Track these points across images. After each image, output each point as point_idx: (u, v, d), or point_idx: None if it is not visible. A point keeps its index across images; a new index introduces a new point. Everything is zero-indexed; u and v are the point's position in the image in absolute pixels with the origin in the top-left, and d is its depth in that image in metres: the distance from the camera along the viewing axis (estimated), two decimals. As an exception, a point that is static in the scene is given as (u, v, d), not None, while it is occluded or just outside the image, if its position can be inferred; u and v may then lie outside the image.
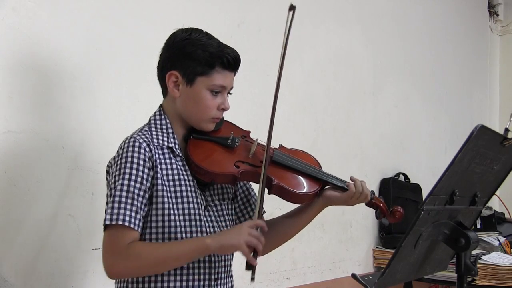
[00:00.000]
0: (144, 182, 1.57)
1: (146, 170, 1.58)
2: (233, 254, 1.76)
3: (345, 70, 3.42)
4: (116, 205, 1.54)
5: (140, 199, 1.56)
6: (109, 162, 1.66)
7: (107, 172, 1.66)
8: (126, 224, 1.52)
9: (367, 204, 1.82)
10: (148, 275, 1.61)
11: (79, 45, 2.07)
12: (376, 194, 3.66)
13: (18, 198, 1.89)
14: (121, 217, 1.52)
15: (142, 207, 1.56)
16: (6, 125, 1.87)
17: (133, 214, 1.54)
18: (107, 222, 1.53)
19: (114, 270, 1.55)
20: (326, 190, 1.78)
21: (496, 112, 5.14)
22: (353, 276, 1.95)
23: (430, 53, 4.29)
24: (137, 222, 1.54)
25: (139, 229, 1.55)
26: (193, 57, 1.63)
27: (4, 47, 1.87)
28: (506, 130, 1.58)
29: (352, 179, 1.78)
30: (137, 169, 1.57)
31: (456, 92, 4.62)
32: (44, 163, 1.96)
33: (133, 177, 1.56)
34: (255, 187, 1.74)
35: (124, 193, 1.54)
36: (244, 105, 2.70)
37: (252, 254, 1.52)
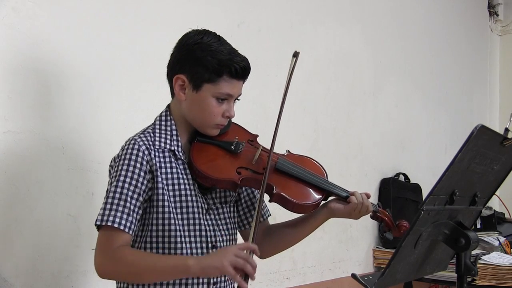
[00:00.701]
0: (139, 185, 1.57)
1: (142, 173, 1.58)
2: None
3: (345, 70, 3.42)
4: (108, 206, 1.55)
5: (133, 201, 1.56)
6: (111, 161, 1.67)
7: (109, 171, 1.66)
8: (116, 225, 1.53)
9: (372, 217, 1.79)
10: (132, 282, 1.62)
11: (79, 45, 2.07)
12: (376, 194, 3.64)
13: (18, 198, 1.89)
14: (111, 218, 1.54)
15: (136, 209, 1.57)
16: (6, 125, 1.87)
17: (124, 216, 1.54)
18: (98, 223, 1.56)
19: (101, 269, 1.56)
20: (331, 202, 1.76)
21: (496, 112, 5.14)
22: (353, 276, 1.94)
23: (430, 53, 4.29)
24: (128, 224, 1.55)
25: (131, 232, 1.56)
26: (202, 63, 1.62)
27: (4, 47, 1.87)
28: (506, 130, 1.58)
29: (351, 192, 1.75)
30: (133, 172, 1.57)
31: (456, 92, 4.62)
32: (44, 163, 1.96)
33: (128, 180, 1.56)
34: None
35: (117, 195, 1.55)
36: (245, 105, 2.68)
37: (243, 278, 1.46)
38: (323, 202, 1.76)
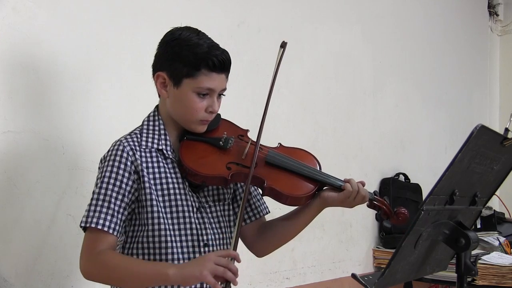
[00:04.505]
0: (123, 186, 1.58)
1: (126, 174, 1.58)
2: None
3: (345, 70, 3.42)
4: (92, 208, 1.56)
5: (118, 202, 1.56)
6: (99, 163, 1.66)
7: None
8: (99, 227, 1.54)
9: (369, 206, 1.75)
10: (114, 285, 1.61)
11: (79, 45, 2.07)
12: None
13: (18, 198, 1.89)
14: (95, 220, 1.54)
15: (120, 210, 1.57)
16: (6, 125, 1.87)
17: (108, 217, 1.55)
18: (82, 225, 1.56)
19: (84, 271, 1.57)
20: (324, 191, 1.72)
21: (496, 112, 5.13)
22: (353, 276, 1.95)
23: (430, 53, 4.29)
24: (112, 225, 1.55)
25: (116, 233, 1.56)
26: (179, 58, 1.60)
27: (4, 47, 1.87)
28: (506, 130, 1.58)
29: (346, 180, 1.71)
30: (117, 173, 1.58)
31: (456, 92, 4.61)
32: (44, 163, 1.96)
33: (111, 181, 1.57)
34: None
35: (101, 197, 1.56)
36: (245, 105, 2.70)
37: (225, 285, 1.45)
38: (317, 193, 1.73)
